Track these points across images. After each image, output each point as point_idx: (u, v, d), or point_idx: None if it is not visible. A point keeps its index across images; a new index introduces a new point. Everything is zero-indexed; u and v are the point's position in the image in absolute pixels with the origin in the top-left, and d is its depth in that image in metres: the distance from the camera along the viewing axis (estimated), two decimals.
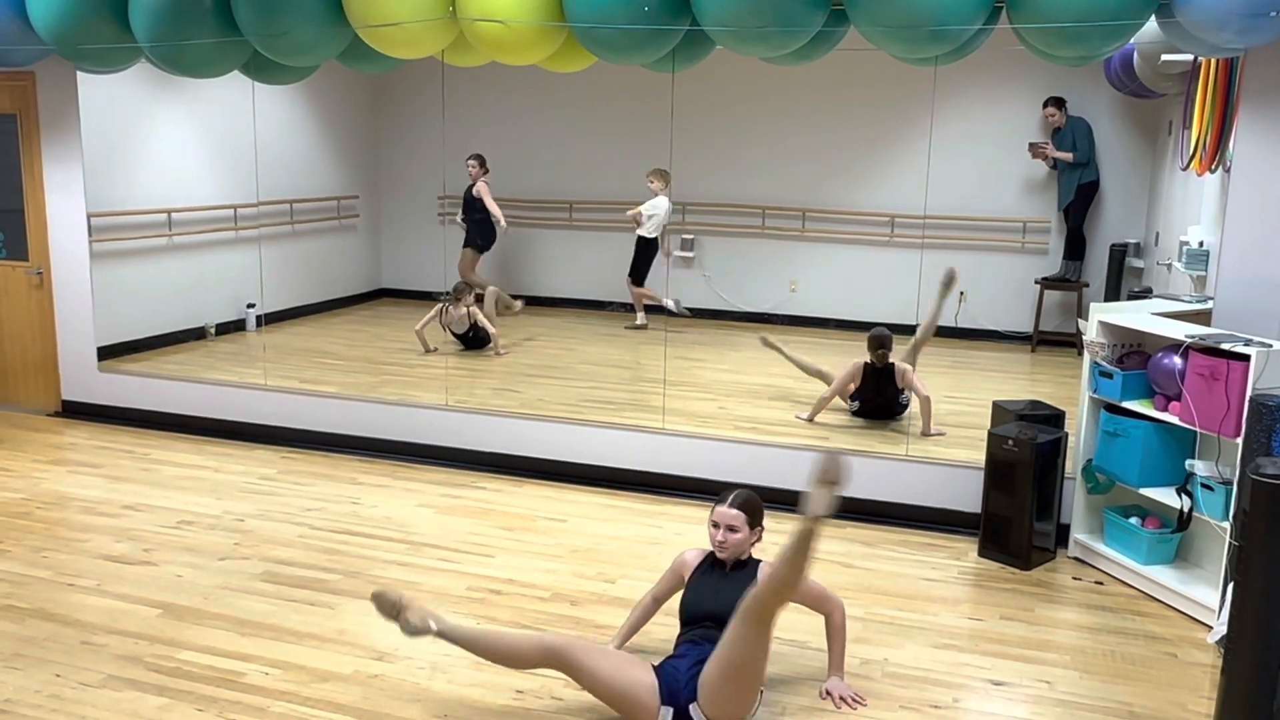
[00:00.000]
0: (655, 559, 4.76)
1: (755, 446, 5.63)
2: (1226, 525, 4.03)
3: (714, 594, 3.51)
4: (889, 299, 8.47)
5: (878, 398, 6.38)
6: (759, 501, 3.63)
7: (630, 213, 8.83)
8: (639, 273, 9.00)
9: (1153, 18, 4.21)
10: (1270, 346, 3.98)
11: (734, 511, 3.55)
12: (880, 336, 6.33)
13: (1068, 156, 8.31)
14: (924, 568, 4.71)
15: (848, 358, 6.63)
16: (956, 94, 8.22)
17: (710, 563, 3.65)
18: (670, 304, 8.82)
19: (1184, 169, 6.24)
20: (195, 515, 5.21)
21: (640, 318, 9.06)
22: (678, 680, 3.26)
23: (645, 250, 8.94)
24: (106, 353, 7.01)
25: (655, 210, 8.81)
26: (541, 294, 9.72)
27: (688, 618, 3.54)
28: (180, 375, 7.05)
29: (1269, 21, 3.86)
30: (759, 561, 3.59)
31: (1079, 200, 8.40)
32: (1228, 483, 4.10)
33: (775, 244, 9.30)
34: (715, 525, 3.55)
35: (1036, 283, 8.53)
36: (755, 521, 3.59)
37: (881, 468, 5.30)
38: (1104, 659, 3.92)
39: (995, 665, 3.85)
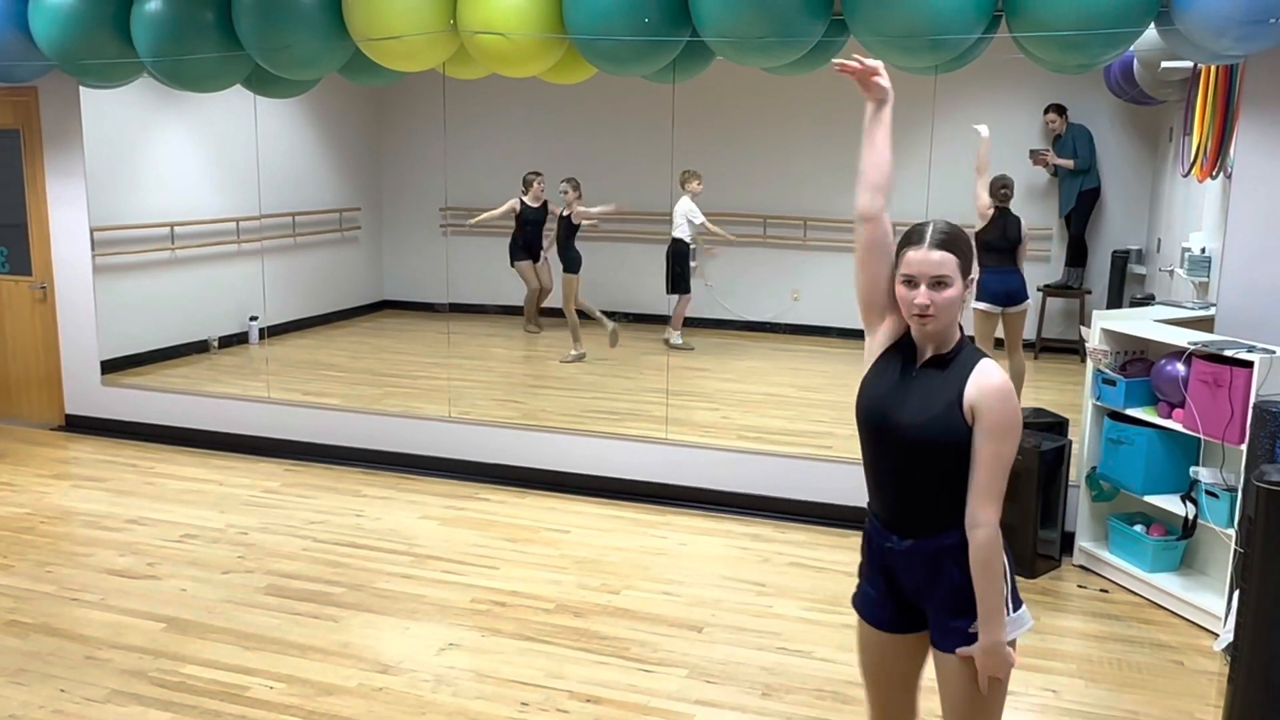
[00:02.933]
0: (659, 569, 4.76)
1: (758, 456, 5.62)
2: (1231, 532, 4.02)
3: (897, 403, 2.31)
4: None
5: (1002, 240, 6.62)
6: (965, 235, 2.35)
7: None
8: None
9: (1152, 25, 4.22)
10: (1273, 353, 3.98)
11: (939, 255, 2.25)
12: (1004, 179, 6.67)
13: (1069, 163, 8.31)
14: None
15: (850, 367, 6.59)
16: (957, 102, 8.22)
17: (898, 354, 2.38)
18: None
19: (1185, 175, 6.24)
20: (199, 529, 5.21)
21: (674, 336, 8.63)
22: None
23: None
24: (110, 367, 7.01)
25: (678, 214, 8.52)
26: (544, 305, 9.71)
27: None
28: (183, 389, 7.06)
29: (1268, 29, 3.87)
30: (975, 352, 2.31)
31: (1080, 207, 8.40)
32: (1232, 489, 4.09)
33: (777, 253, 9.31)
34: (909, 282, 2.27)
35: (1039, 290, 8.51)
36: (968, 266, 2.30)
37: None
38: (1110, 667, 3.91)
39: None
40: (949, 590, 2.32)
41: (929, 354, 2.32)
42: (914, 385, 2.31)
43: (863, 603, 2.51)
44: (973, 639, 2.32)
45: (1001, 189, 6.65)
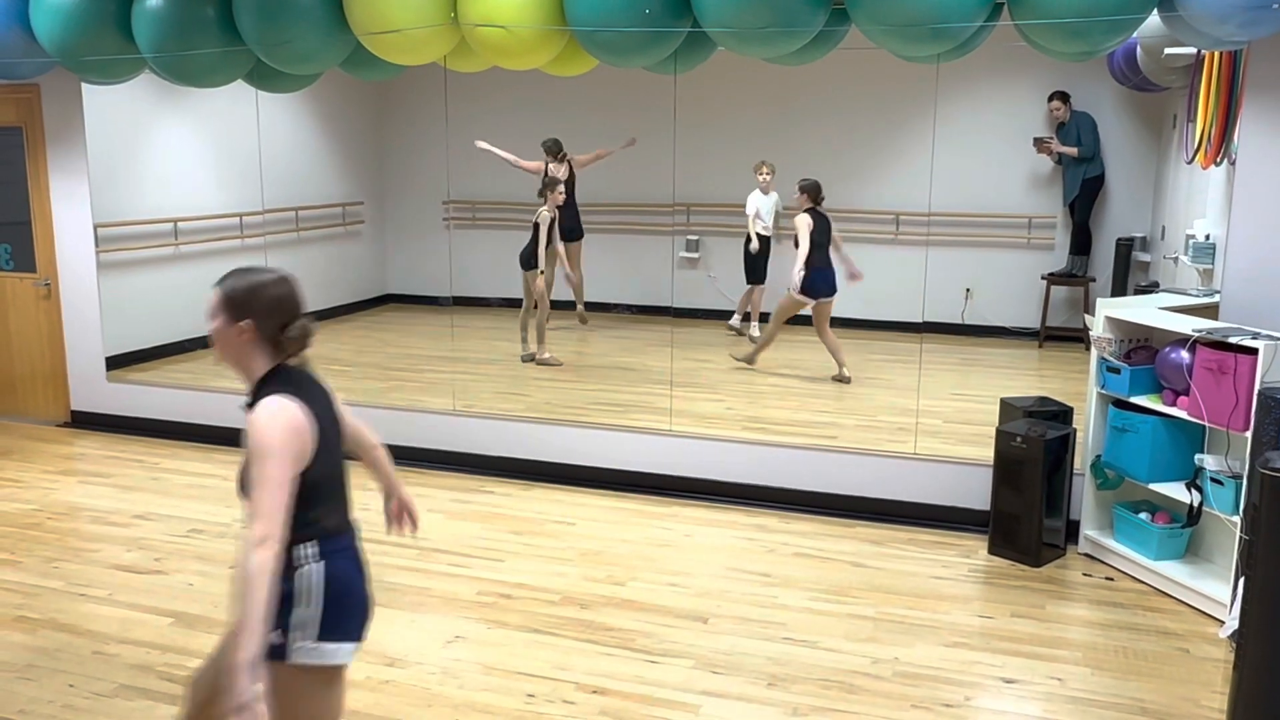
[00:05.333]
0: (665, 561, 4.76)
1: (762, 447, 5.62)
2: (1236, 519, 4.02)
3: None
4: (894, 297, 8.47)
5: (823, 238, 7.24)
6: (254, 282, 2.56)
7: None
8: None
9: (1155, 12, 4.20)
10: (1278, 339, 3.97)
11: (212, 292, 2.52)
12: (813, 181, 7.31)
13: (1073, 151, 8.29)
14: (934, 566, 4.70)
15: (852, 356, 6.61)
16: (960, 91, 8.21)
17: None
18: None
19: (1189, 162, 6.22)
20: (205, 523, 5.22)
21: (750, 327, 8.66)
22: None
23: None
24: (115, 363, 7.03)
25: (751, 207, 8.55)
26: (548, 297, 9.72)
27: None
28: (189, 384, 7.07)
29: (1271, 15, 3.85)
30: (265, 393, 2.49)
31: (1084, 195, 8.39)
32: (1237, 477, 4.09)
33: (779, 244, 9.29)
34: None
35: (1043, 278, 8.51)
36: (236, 311, 2.49)
37: (889, 466, 5.29)
38: (1115, 655, 3.92)
39: (1006, 663, 3.84)
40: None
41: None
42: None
43: None
44: (276, 650, 2.40)
45: (812, 190, 7.27)
